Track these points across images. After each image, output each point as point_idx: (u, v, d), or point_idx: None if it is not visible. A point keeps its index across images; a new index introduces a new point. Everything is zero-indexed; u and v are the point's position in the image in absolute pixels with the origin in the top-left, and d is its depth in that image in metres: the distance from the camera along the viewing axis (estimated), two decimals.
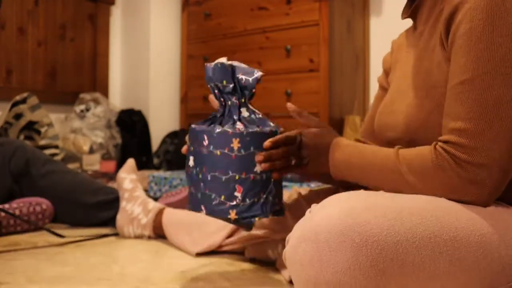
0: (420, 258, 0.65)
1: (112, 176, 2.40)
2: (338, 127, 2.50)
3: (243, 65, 0.96)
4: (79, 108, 2.80)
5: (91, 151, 2.67)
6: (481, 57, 0.71)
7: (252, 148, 0.91)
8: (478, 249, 0.69)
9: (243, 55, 2.78)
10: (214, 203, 0.92)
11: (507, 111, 0.70)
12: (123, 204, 1.58)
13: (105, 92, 3.11)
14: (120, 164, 2.69)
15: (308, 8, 2.51)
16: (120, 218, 1.56)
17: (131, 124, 2.92)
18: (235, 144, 0.90)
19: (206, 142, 0.93)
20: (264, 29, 2.68)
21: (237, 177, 0.90)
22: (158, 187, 2.14)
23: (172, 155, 2.83)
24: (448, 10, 0.77)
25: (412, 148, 0.80)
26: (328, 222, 0.64)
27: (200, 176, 0.93)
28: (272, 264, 1.19)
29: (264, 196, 0.91)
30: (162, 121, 3.14)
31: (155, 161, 2.90)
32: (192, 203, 0.96)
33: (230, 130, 0.91)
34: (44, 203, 1.64)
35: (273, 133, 0.94)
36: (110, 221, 1.65)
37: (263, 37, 2.69)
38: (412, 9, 0.91)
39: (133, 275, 1.15)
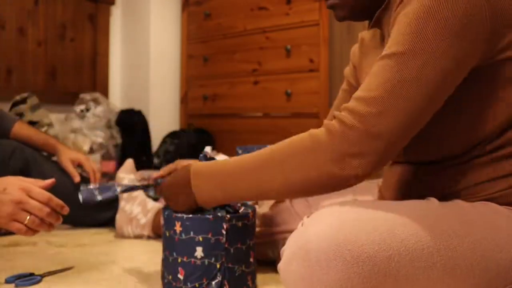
0: (413, 271, 0.64)
1: (112, 176, 2.39)
2: None
3: (221, 156, 1.02)
4: (79, 108, 2.79)
5: (91, 151, 2.67)
6: (407, 39, 0.70)
7: (192, 233, 0.94)
8: (472, 256, 0.68)
9: (243, 55, 2.78)
10: (165, 280, 0.98)
11: (409, 91, 0.68)
12: (122, 204, 1.58)
13: (105, 92, 3.11)
14: (120, 164, 2.69)
15: (308, 8, 2.51)
16: (119, 218, 1.56)
17: (131, 124, 2.92)
18: (178, 227, 0.95)
19: (162, 221, 1.00)
20: (264, 29, 2.68)
21: (179, 260, 0.94)
22: None
23: (172, 155, 2.82)
24: (395, 6, 0.76)
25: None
26: (319, 239, 0.63)
27: (162, 251, 1.01)
28: (272, 264, 1.19)
29: (207, 282, 0.93)
30: (162, 121, 3.14)
31: (155, 161, 2.90)
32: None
33: (174, 213, 0.96)
34: None
35: (216, 220, 0.94)
36: (110, 221, 1.65)
37: (263, 37, 2.69)
38: (374, 20, 0.89)
39: (133, 275, 1.15)
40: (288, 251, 0.67)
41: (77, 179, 1.64)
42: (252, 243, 1.00)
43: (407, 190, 0.86)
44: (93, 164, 1.72)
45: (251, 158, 0.79)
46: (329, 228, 0.64)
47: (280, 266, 0.69)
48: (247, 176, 0.79)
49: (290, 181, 0.74)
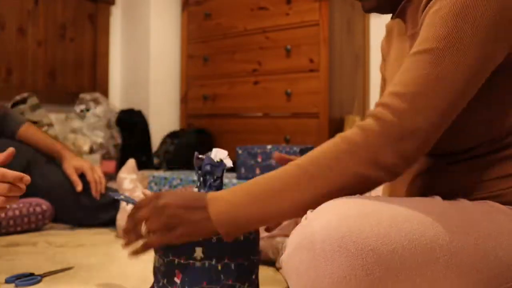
0: (416, 265, 0.64)
1: (112, 176, 2.40)
2: (338, 127, 2.50)
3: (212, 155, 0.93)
4: (79, 108, 2.80)
5: (91, 151, 2.67)
6: (441, 34, 0.71)
7: None
8: (474, 252, 0.69)
9: (243, 55, 2.78)
10: (160, 284, 0.88)
11: (445, 88, 0.70)
12: (123, 204, 1.58)
13: (105, 92, 3.11)
14: (120, 164, 2.69)
15: (308, 8, 2.51)
16: (120, 218, 1.56)
17: (131, 124, 2.92)
18: None
19: None
20: (264, 29, 2.68)
21: (176, 262, 0.85)
22: (158, 187, 2.14)
23: (172, 155, 2.83)
24: (424, 2, 0.77)
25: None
26: (324, 230, 0.63)
27: (154, 255, 0.92)
28: (272, 264, 1.19)
29: (207, 286, 0.83)
30: (162, 121, 3.14)
31: (155, 161, 2.90)
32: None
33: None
34: (44, 204, 1.64)
35: None
36: (110, 222, 1.65)
37: (263, 37, 2.69)
38: (399, 11, 0.90)
39: (133, 275, 1.15)
40: (292, 243, 0.67)
41: (79, 188, 1.64)
42: (256, 259, 0.91)
43: (414, 182, 0.86)
44: (98, 172, 1.69)
45: (280, 178, 0.74)
46: (333, 220, 0.64)
47: (284, 258, 0.69)
48: (283, 196, 0.73)
49: (330, 189, 0.71)
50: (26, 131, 1.71)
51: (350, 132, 0.72)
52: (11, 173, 0.93)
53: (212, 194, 0.77)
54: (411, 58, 0.73)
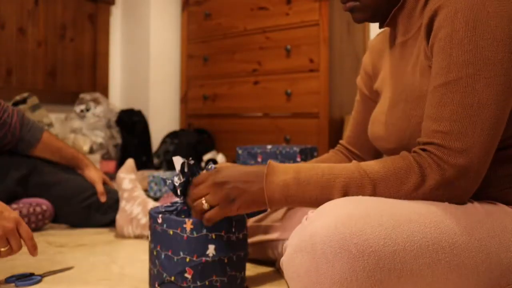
0: (418, 267, 0.64)
1: (112, 176, 2.39)
2: (338, 127, 2.50)
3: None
4: (79, 108, 2.80)
5: (91, 151, 2.67)
6: (465, 60, 0.71)
7: (205, 231, 0.90)
8: (477, 254, 0.69)
9: (243, 55, 2.78)
10: (165, 280, 0.93)
11: (488, 114, 0.70)
12: (122, 204, 1.58)
13: (105, 92, 3.11)
14: (120, 164, 2.69)
15: (308, 8, 2.51)
16: (119, 218, 1.56)
17: (131, 124, 2.92)
18: (188, 225, 0.90)
19: (160, 220, 0.94)
20: (264, 29, 2.68)
21: (188, 259, 0.90)
22: (158, 187, 2.13)
23: (172, 155, 2.83)
24: (428, 16, 0.77)
25: (376, 161, 0.77)
26: (325, 232, 0.63)
27: (155, 253, 0.95)
28: (272, 264, 1.19)
29: (218, 279, 0.91)
30: (162, 121, 3.14)
31: (155, 161, 2.90)
32: (150, 279, 0.99)
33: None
34: (44, 204, 1.64)
35: (228, 218, 0.92)
36: (110, 222, 1.66)
37: (263, 37, 2.69)
38: (390, 19, 0.90)
39: (133, 275, 1.15)
40: (293, 244, 0.67)
41: (103, 199, 1.65)
42: (247, 250, 1.01)
43: None
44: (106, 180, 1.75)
45: (340, 175, 0.76)
46: (335, 221, 0.64)
47: (284, 259, 0.69)
48: (330, 191, 0.75)
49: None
50: (49, 139, 1.69)
51: (411, 161, 0.73)
52: (34, 242, 1.03)
53: (270, 171, 0.79)
54: (442, 90, 0.73)
